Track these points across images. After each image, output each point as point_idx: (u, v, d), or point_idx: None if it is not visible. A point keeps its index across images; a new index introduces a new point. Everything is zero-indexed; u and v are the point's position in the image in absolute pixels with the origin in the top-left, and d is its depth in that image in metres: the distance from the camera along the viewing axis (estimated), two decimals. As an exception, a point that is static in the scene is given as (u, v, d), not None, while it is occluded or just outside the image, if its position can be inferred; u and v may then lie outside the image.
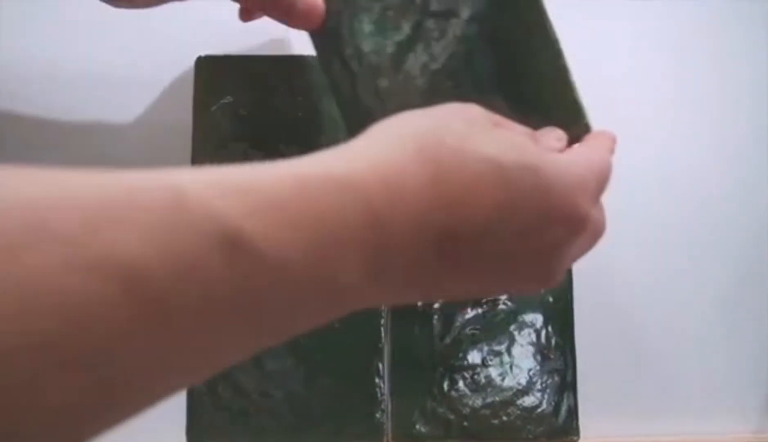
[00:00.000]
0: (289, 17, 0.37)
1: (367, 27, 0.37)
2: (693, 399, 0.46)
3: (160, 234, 0.18)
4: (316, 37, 0.39)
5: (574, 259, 0.30)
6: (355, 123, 0.38)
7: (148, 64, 0.48)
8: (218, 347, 0.20)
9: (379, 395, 0.43)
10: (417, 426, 0.43)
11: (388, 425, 0.43)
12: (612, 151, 0.32)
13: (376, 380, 0.43)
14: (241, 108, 0.47)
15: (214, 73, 0.47)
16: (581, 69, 0.47)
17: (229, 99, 0.47)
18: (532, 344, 0.45)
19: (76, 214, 0.17)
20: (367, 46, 0.38)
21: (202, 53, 0.47)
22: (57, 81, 0.47)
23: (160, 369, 0.19)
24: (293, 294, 0.21)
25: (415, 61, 0.37)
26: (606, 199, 0.46)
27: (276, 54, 0.47)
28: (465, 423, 0.43)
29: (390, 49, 0.37)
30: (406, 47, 0.37)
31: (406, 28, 0.37)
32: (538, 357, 0.44)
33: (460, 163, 0.24)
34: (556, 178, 0.26)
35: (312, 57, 0.46)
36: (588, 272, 0.45)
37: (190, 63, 0.47)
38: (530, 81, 0.36)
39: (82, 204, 0.17)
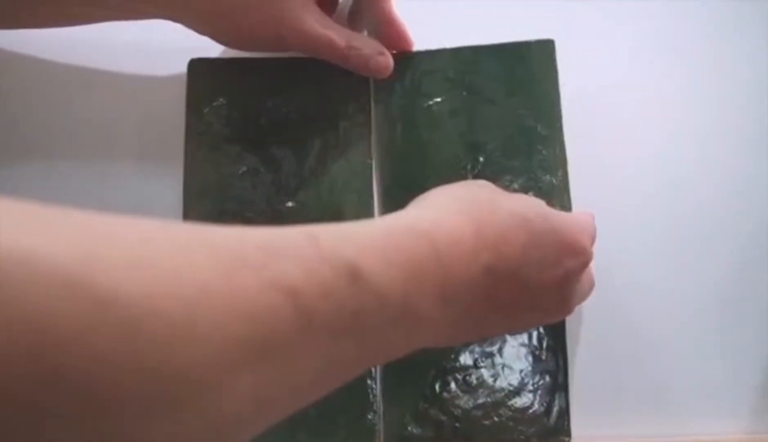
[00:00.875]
0: (364, 70, 0.45)
1: (425, 88, 0.47)
2: (686, 400, 0.45)
3: (307, 266, 0.24)
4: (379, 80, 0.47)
5: (581, 295, 0.39)
6: (385, 153, 0.47)
7: (140, 66, 0.48)
8: (338, 360, 0.25)
9: (371, 396, 0.43)
10: (409, 428, 0.43)
11: (380, 427, 0.43)
12: (593, 220, 0.41)
13: (368, 382, 0.44)
14: (235, 110, 0.47)
15: (207, 76, 0.47)
16: (580, 70, 0.48)
17: (222, 101, 0.47)
18: (523, 345, 0.45)
19: (257, 250, 0.23)
20: (420, 101, 0.47)
21: (195, 56, 0.47)
22: (49, 82, 0.48)
23: (309, 376, 0.24)
24: (390, 320, 0.27)
25: (454, 127, 0.47)
26: (602, 198, 0.46)
27: (268, 56, 0.47)
28: (457, 424, 0.43)
29: (435, 108, 0.47)
30: (450, 113, 0.47)
31: (453, 99, 0.47)
32: (530, 358, 0.44)
33: (492, 218, 0.32)
34: (564, 224, 0.35)
35: (304, 59, 0.47)
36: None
37: (183, 66, 0.47)
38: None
39: (257, 243, 0.23)
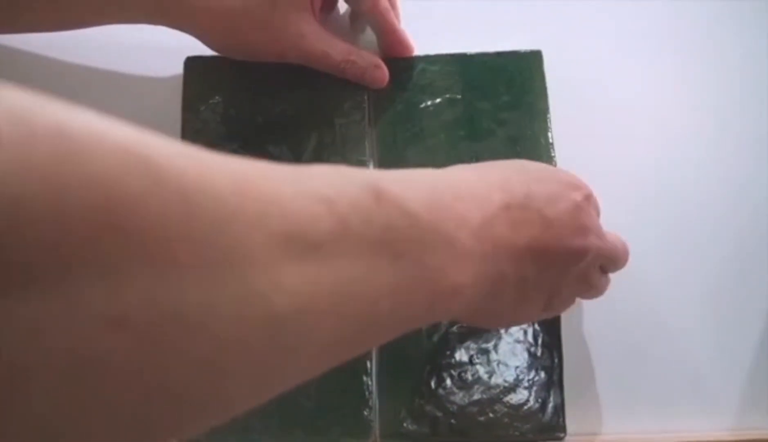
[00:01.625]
0: (360, 82, 0.47)
1: (423, 89, 0.48)
2: (680, 397, 0.46)
3: (334, 183, 0.25)
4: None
5: (606, 241, 0.39)
6: (382, 151, 0.48)
7: (137, 64, 0.48)
8: (376, 282, 0.26)
9: (366, 393, 0.44)
10: (405, 424, 0.43)
11: (376, 423, 0.43)
12: None
13: (364, 378, 0.44)
14: (231, 108, 0.47)
15: (204, 74, 0.47)
16: (575, 68, 0.48)
17: (218, 99, 0.47)
18: (519, 341, 0.45)
19: (288, 170, 0.25)
20: (417, 102, 0.48)
21: (191, 54, 0.47)
22: (45, 81, 0.48)
23: (349, 292, 0.25)
24: (422, 242, 0.28)
25: (449, 128, 0.48)
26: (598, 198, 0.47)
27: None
28: (452, 421, 0.44)
29: (432, 109, 0.48)
30: (446, 114, 0.48)
31: (449, 101, 0.48)
32: (525, 355, 0.45)
33: (492, 168, 0.35)
34: (555, 168, 0.41)
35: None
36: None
37: (179, 63, 0.47)
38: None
39: (286, 167, 0.25)
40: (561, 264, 0.36)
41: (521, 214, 0.33)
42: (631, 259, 0.47)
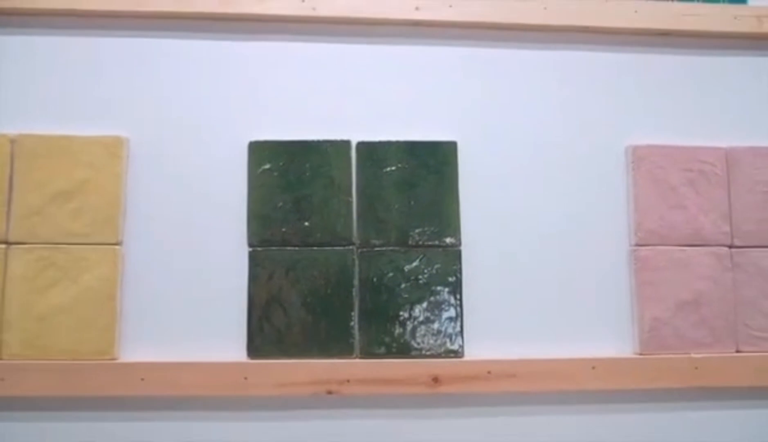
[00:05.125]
0: None
1: (383, 161, 0.82)
2: (544, 329, 0.80)
3: None
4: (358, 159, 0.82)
5: None
6: (361, 195, 0.82)
7: (214, 145, 0.83)
8: None
9: (351, 326, 0.78)
10: (372, 347, 0.78)
11: (357, 346, 0.78)
12: None
13: (351, 323, 0.78)
14: (275, 171, 0.82)
15: (259, 152, 0.82)
16: (482, 153, 0.83)
17: (268, 166, 0.82)
18: (439, 302, 0.79)
19: None
20: (380, 168, 0.82)
21: (252, 139, 0.82)
22: (147, 146, 0.83)
23: None
24: None
25: (399, 185, 0.82)
26: (488, 233, 0.82)
27: (299, 139, 0.82)
28: (395, 345, 0.78)
29: (389, 172, 0.82)
30: (396, 176, 0.81)
31: (399, 169, 0.83)
32: (442, 309, 0.79)
33: None
34: None
35: (321, 142, 0.82)
36: (475, 258, 0.80)
37: (244, 144, 0.82)
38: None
39: None
40: None
41: None
42: (532, 265, 0.81)
